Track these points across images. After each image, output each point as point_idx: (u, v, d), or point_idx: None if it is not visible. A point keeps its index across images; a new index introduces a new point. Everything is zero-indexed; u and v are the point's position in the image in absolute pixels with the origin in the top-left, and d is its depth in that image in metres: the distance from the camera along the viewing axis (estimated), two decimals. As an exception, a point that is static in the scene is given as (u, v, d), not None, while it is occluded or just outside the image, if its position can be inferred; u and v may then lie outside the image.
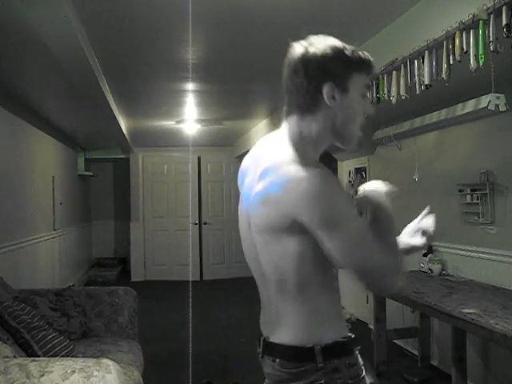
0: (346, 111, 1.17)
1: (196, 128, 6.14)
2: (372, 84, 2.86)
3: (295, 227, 1.10)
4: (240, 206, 1.27)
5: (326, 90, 1.13)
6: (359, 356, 1.22)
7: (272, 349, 1.21)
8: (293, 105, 1.18)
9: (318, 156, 1.25)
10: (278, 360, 1.19)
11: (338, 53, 1.14)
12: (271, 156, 1.17)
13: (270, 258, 1.18)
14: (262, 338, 1.25)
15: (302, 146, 1.17)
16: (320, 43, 1.16)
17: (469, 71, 2.01)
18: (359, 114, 1.18)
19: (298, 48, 1.18)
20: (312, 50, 1.15)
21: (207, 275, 8.13)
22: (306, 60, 1.15)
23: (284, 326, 1.20)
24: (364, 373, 1.21)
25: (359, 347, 1.23)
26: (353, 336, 1.22)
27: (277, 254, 1.15)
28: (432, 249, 3.86)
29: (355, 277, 1.13)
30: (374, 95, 2.84)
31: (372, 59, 1.18)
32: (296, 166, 1.09)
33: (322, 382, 1.14)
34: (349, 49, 1.16)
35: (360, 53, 1.17)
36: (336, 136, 1.21)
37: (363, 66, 1.16)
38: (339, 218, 1.08)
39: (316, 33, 1.18)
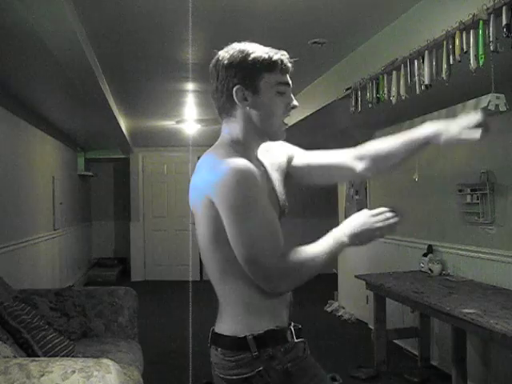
0: (261, 110, 1.23)
1: (196, 128, 6.14)
2: (372, 84, 2.86)
3: (212, 207, 1.16)
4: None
5: (235, 93, 1.21)
6: (303, 347, 1.30)
7: (215, 339, 1.28)
8: (217, 110, 1.29)
9: (254, 154, 1.31)
10: (219, 349, 1.25)
11: (243, 56, 1.23)
12: (204, 157, 1.27)
13: (201, 245, 1.27)
14: (212, 329, 1.32)
15: (231, 146, 1.25)
16: (231, 49, 1.25)
17: (469, 71, 2.01)
18: (276, 110, 1.24)
19: (215, 55, 1.28)
20: (221, 55, 1.25)
21: (207, 275, 8.12)
22: (217, 66, 1.25)
23: (222, 316, 1.28)
24: (306, 352, 1.30)
25: (302, 339, 1.31)
26: (291, 325, 1.30)
27: (202, 238, 1.24)
28: (432, 249, 3.86)
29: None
30: (374, 95, 2.84)
31: (284, 57, 1.27)
32: (220, 159, 1.17)
33: (261, 368, 1.20)
34: (256, 51, 1.24)
35: (269, 53, 1.25)
36: (260, 133, 1.28)
37: (273, 65, 1.23)
38: (240, 208, 1.14)
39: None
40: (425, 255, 3.86)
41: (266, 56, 1.23)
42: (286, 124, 1.29)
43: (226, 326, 1.26)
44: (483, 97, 2.83)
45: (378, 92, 2.81)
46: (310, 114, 4.12)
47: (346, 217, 5.62)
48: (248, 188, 1.14)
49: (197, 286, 7.47)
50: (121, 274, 8.24)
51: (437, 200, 3.93)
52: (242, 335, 1.21)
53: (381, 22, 2.75)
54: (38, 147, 5.04)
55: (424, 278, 3.60)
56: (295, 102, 1.28)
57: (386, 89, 2.74)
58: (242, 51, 1.24)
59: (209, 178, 1.17)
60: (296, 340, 1.28)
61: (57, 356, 2.47)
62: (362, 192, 5.25)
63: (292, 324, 1.32)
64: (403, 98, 2.60)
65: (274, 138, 1.31)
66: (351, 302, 5.51)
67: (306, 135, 5.43)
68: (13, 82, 3.63)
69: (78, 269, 7.35)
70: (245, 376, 1.21)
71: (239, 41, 1.28)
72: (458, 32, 2.05)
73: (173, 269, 8.01)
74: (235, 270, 1.20)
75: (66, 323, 3.16)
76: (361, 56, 3.15)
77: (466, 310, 2.55)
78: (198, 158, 1.39)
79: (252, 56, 1.22)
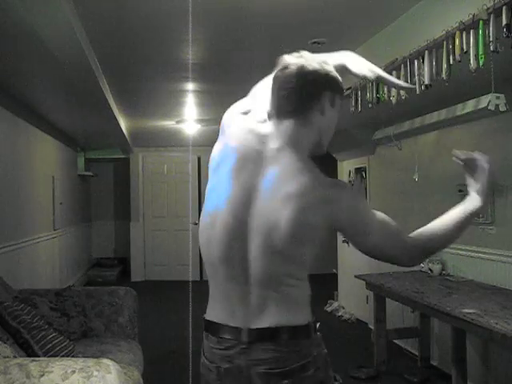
0: (330, 123, 1.37)
1: (196, 128, 6.14)
2: (372, 84, 2.86)
3: (324, 232, 1.27)
4: (228, 194, 1.31)
5: (324, 99, 1.31)
6: None
7: (269, 334, 1.28)
8: (288, 110, 1.31)
9: None
10: (282, 341, 1.27)
11: (329, 71, 1.32)
12: (297, 164, 1.30)
13: (269, 259, 1.27)
14: (241, 329, 1.29)
15: (306, 155, 1.34)
16: (318, 61, 1.32)
17: (469, 71, 2.01)
18: (334, 125, 1.39)
19: (294, 60, 1.33)
20: (313, 65, 1.30)
21: (207, 275, 8.13)
22: (306, 73, 1.30)
23: (272, 311, 1.28)
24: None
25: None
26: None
27: (281, 237, 1.24)
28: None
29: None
30: (374, 95, 2.84)
31: (341, 82, 1.37)
32: (323, 177, 1.30)
33: (315, 353, 1.32)
34: (333, 71, 1.35)
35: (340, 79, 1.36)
36: (316, 142, 1.38)
37: (342, 89, 1.37)
38: (367, 220, 1.29)
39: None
40: (425, 255, 3.85)
41: (339, 78, 1.35)
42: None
43: (284, 318, 1.28)
44: (483, 97, 2.84)
45: (377, 92, 2.81)
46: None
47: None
48: (360, 195, 1.30)
49: (197, 285, 7.46)
50: (121, 274, 8.24)
51: (437, 200, 3.93)
52: (305, 323, 1.31)
53: (381, 22, 2.75)
54: (38, 147, 5.04)
55: (424, 278, 3.60)
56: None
57: (385, 89, 2.74)
58: (327, 71, 1.33)
59: (332, 198, 1.26)
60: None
61: (57, 356, 2.46)
62: (361, 192, 5.25)
63: None
64: (403, 97, 2.60)
65: (320, 149, 1.42)
66: (351, 302, 5.51)
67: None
68: (13, 82, 3.63)
69: (78, 269, 7.35)
70: (302, 362, 1.27)
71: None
72: (458, 32, 2.05)
73: (173, 269, 8.01)
74: (303, 267, 1.30)
75: (66, 323, 3.16)
76: (360, 56, 3.15)
77: (466, 310, 2.55)
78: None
79: (334, 73, 1.34)
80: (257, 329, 1.27)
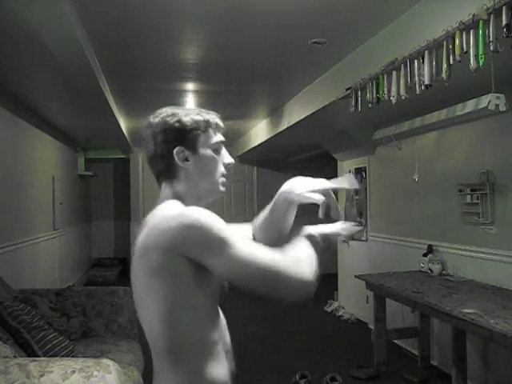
0: (203, 168, 1.27)
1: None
2: (372, 84, 2.86)
3: (175, 266, 1.12)
4: None
5: (176, 154, 1.24)
6: None
7: None
8: (157, 172, 1.28)
9: None
10: None
11: (178, 119, 1.25)
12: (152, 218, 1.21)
13: (142, 314, 1.25)
14: None
15: (180, 203, 1.25)
16: (163, 114, 1.27)
17: (469, 71, 2.01)
18: (216, 167, 1.30)
19: (147, 120, 1.29)
20: (155, 121, 1.26)
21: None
22: (153, 132, 1.26)
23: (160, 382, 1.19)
24: None
25: None
26: None
27: (152, 310, 1.19)
28: (432, 249, 3.86)
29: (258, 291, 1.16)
30: (374, 95, 2.84)
31: (216, 117, 1.31)
32: (170, 209, 1.19)
33: None
34: (188, 113, 1.27)
35: (201, 114, 1.28)
36: (203, 191, 1.31)
37: (207, 125, 1.28)
38: (220, 242, 1.14)
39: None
40: (425, 255, 3.86)
41: (200, 117, 1.27)
42: (225, 181, 1.33)
43: None
44: (483, 97, 2.84)
45: (378, 92, 2.81)
46: (310, 114, 4.12)
47: (345, 216, 5.63)
48: (215, 221, 1.18)
49: (197, 285, 7.48)
50: (121, 274, 8.23)
51: (437, 200, 3.93)
52: None
53: (381, 21, 2.75)
54: (37, 147, 5.04)
55: (424, 278, 3.60)
56: (231, 160, 1.33)
57: (385, 89, 2.73)
58: (174, 114, 1.26)
59: (168, 233, 1.11)
60: None
61: (57, 356, 2.46)
62: (361, 192, 5.25)
63: None
64: (403, 97, 2.60)
65: (214, 193, 1.34)
66: (351, 302, 5.51)
67: (306, 135, 5.44)
68: (13, 82, 3.63)
69: (78, 269, 7.35)
70: None
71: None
72: (458, 32, 2.05)
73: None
74: (187, 340, 1.16)
75: (66, 323, 3.16)
76: (361, 56, 3.15)
77: (466, 310, 2.55)
78: None
79: (186, 118, 1.26)
80: None
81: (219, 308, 1.29)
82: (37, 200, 4.94)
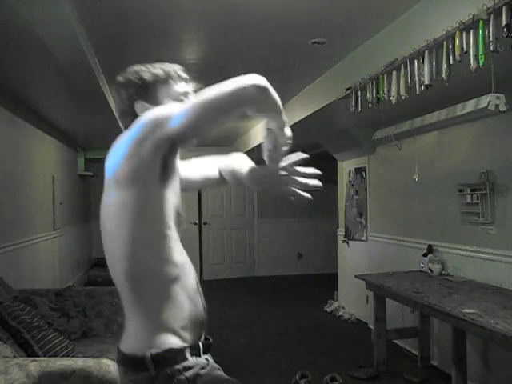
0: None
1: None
2: (372, 84, 2.86)
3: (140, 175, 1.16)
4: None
5: (137, 108, 1.29)
6: (205, 363, 1.23)
7: (118, 356, 1.22)
8: (126, 127, 1.30)
9: None
10: (121, 367, 1.21)
11: (139, 74, 1.31)
12: None
13: (104, 236, 1.29)
14: (117, 345, 1.25)
15: None
16: (127, 71, 1.33)
17: (469, 71, 2.01)
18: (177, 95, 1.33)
19: (116, 78, 1.35)
20: (119, 79, 1.32)
21: (207, 275, 8.13)
22: (118, 89, 1.33)
23: (125, 331, 1.21)
24: (207, 367, 1.22)
25: (205, 356, 1.25)
26: (201, 341, 1.24)
27: (106, 227, 1.27)
28: (432, 249, 3.86)
29: None
30: (374, 95, 2.84)
31: (177, 68, 1.35)
32: None
33: (175, 374, 1.15)
34: (150, 68, 1.32)
35: (162, 67, 1.33)
36: None
37: (167, 77, 1.32)
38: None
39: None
40: (425, 255, 3.86)
41: (159, 70, 1.32)
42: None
43: (127, 343, 1.19)
44: (483, 97, 2.84)
45: (378, 92, 2.81)
46: (310, 114, 4.12)
47: (346, 217, 5.63)
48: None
49: (197, 285, 7.49)
50: (121, 274, 8.23)
51: (437, 200, 3.93)
52: (141, 354, 1.14)
53: (381, 21, 2.75)
54: (37, 147, 5.04)
55: (424, 278, 3.60)
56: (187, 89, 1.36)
57: (385, 89, 2.73)
58: (135, 71, 1.32)
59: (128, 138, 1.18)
60: (197, 358, 1.21)
61: (57, 356, 2.47)
62: (361, 192, 5.25)
63: (203, 338, 1.28)
64: (403, 97, 2.60)
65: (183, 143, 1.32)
66: (351, 302, 5.51)
67: (306, 135, 5.43)
68: (13, 82, 3.63)
69: (78, 269, 7.35)
70: None
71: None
72: (458, 32, 2.05)
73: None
74: (145, 269, 1.17)
75: (66, 323, 3.16)
76: (361, 56, 3.16)
77: (466, 310, 2.55)
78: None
79: (147, 72, 1.31)
80: (117, 348, 1.23)
81: (183, 250, 1.29)
82: (37, 200, 4.94)
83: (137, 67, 1.34)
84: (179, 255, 1.24)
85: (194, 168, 1.53)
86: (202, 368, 1.21)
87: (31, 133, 4.80)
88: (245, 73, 1.19)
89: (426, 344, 3.87)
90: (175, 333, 1.18)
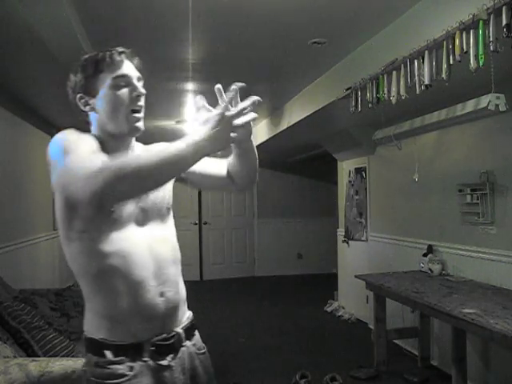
0: (103, 109, 1.26)
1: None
2: (372, 84, 2.86)
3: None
4: None
5: (78, 102, 1.28)
6: (122, 368, 1.20)
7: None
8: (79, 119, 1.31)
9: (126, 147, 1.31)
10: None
11: (77, 66, 1.28)
12: None
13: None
14: None
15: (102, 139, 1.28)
16: (74, 64, 1.29)
17: (469, 71, 2.01)
18: (117, 104, 1.25)
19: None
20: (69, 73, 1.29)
21: (207, 275, 8.13)
22: (67, 81, 1.31)
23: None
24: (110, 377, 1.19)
25: (123, 359, 1.21)
26: (148, 342, 1.23)
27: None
28: (432, 249, 3.86)
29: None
30: (374, 95, 2.84)
31: (109, 53, 1.27)
32: None
33: (85, 369, 1.24)
34: (86, 57, 1.28)
35: (94, 55, 1.27)
36: (113, 129, 1.27)
37: (101, 64, 1.25)
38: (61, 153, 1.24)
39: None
40: (425, 255, 3.86)
41: (90, 60, 1.26)
42: (138, 116, 1.27)
43: (85, 325, 1.28)
44: (483, 97, 2.84)
45: (377, 92, 2.81)
46: (310, 114, 4.12)
47: (346, 217, 5.63)
48: (68, 137, 1.22)
49: (197, 285, 7.49)
50: (121, 274, 8.23)
51: (437, 200, 3.93)
52: (88, 336, 1.25)
53: (381, 21, 2.75)
54: (37, 147, 5.04)
55: (424, 278, 3.60)
56: (140, 90, 1.27)
57: (385, 89, 2.73)
58: (77, 65, 1.29)
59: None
60: (114, 358, 1.20)
61: (57, 356, 2.46)
62: (361, 192, 5.25)
63: (161, 338, 1.25)
64: (403, 97, 2.60)
65: (128, 132, 1.27)
66: (351, 302, 5.51)
67: (306, 135, 5.43)
68: (13, 82, 3.63)
69: (78, 269, 7.34)
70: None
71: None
72: (458, 32, 2.05)
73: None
74: (76, 267, 1.24)
75: (66, 323, 3.15)
76: (361, 56, 3.16)
77: (466, 310, 2.55)
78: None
79: (82, 63, 1.27)
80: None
81: (136, 240, 1.24)
82: (37, 200, 4.94)
83: (80, 60, 1.30)
84: (114, 247, 1.20)
85: (206, 165, 1.44)
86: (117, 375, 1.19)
87: (31, 133, 4.80)
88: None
89: (426, 344, 3.87)
90: (101, 324, 1.23)
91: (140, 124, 1.27)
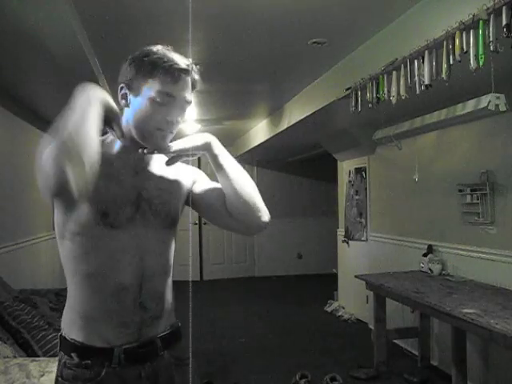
0: (136, 113, 1.20)
1: (196, 128, 6.14)
2: (372, 84, 2.86)
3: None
4: None
5: (119, 90, 1.22)
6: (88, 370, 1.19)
7: None
8: None
9: (129, 144, 1.26)
10: None
11: (135, 58, 1.21)
12: None
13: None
14: None
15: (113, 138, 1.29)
16: (138, 51, 1.23)
17: (469, 71, 2.01)
18: (149, 117, 1.19)
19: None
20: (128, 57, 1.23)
21: (207, 275, 8.13)
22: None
23: None
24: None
25: (88, 361, 1.20)
26: (85, 343, 1.20)
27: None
28: (432, 249, 3.86)
29: None
30: (374, 95, 2.84)
31: (173, 67, 1.18)
32: None
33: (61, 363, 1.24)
34: (151, 55, 1.20)
35: (164, 60, 1.19)
36: (138, 135, 1.23)
37: (155, 72, 1.18)
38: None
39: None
40: (425, 255, 3.86)
41: (150, 60, 1.20)
42: (164, 136, 1.21)
43: (62, 322, 1.28)
44: (483, 97, 2.84)
45: (378, 92, 2.81)
46: (310, 114, 4.12)
47: (346, 217, 5.63)
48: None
49: (197, 285, 7.49)
50: (121, 274, 8.23)
51: (437, 200, 3.93)
52: (62, 334, 1.25)
53: (381, 21, 2.75)
54: (37, 147, 5.04)
55: (424, 278, 3.60)
56: (176, 118, 1.21)
57: (385, 89, 2.73)
58: (143, 52, 1.23)
59: None
60: (81, 361, 1.19)
61: (57, 356, 2.46)
62: (361, 192, 5.25)
63: (124, 347, 1.20)
64: (403, 97, 2.60)
65: (147, 143, 1.22)
66: (351, 301, 5.51)
67: (306, 135, 5.44)
68: (13, 82, 3.63)
69: (78, 269, 7.34)
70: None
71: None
72: (458, 32, 2.05)
73: (173, 269, 8.00)
74: (73, 268, 1.22)
75: (66, 323, 3.15)
76: (361, 56, 3.15)
77: (466, 310, 2.55)
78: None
79: (144, 58, 1.21)
80: None
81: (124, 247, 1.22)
82: (37, 200, 4.94)
83: (152, 48, 1.25)
84: (103, 253, 1.19)
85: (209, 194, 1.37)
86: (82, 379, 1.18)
87: (31, 133, 4.80)
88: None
89: (426, 344, 3.87)
90: (75, 323, 1.22)
91: (162, 146, 1.21)
